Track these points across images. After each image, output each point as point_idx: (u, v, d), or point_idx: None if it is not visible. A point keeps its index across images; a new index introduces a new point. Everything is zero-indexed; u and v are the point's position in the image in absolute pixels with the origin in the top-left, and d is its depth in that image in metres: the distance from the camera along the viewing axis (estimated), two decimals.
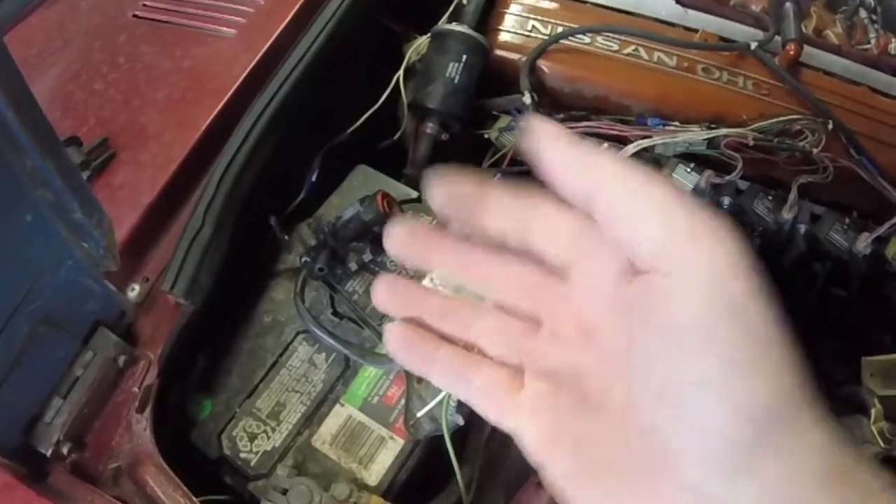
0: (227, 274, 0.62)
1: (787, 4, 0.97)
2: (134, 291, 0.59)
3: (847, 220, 0.87)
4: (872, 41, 1.12)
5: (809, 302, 0.94)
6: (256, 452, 0.59)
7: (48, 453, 0.53)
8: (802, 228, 0.88)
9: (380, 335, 0.64)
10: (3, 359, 0.50)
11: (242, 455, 0.59)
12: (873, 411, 0.73)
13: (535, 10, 0.91)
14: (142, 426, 0.54)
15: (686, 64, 0.88)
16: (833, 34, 1.14)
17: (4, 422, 0.52)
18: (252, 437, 0.60)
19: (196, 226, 0.58)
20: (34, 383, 0.53)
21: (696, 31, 0.97)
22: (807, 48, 0.95)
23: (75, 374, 0.55)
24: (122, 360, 0.56)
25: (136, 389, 0.56)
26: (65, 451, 0.54)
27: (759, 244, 0.90)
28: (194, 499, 0.52)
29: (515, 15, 0.89)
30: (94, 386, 0.55)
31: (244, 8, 0.77)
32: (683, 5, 0.99)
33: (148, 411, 0.55)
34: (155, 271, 0.59)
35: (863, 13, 1.19)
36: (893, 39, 1.16)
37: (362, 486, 0.58)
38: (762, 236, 0.89)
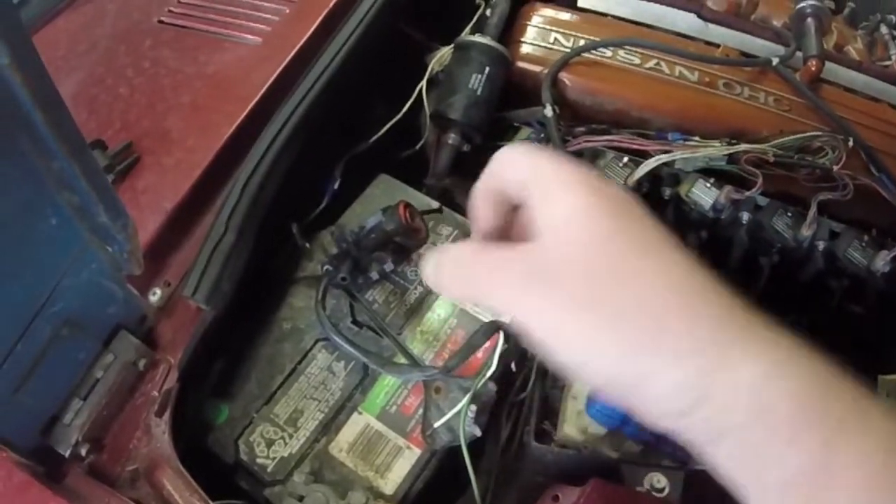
0: (248, 280, 0.62)
1: (809, 20, 0.96)
2: (155, 296, 0.58)
3: (866, 238, 0.86)
4: (893, 57, 1.11)
5: (827, 318, 0.93)
6: (273, 458, 0.59)
7: (66, 454, 0.53)
8: (821, 245, 0.86)
9: (399, 344, 0.63)
10: (25, 359, 0.50)
11: (259, 461, 0.59)
12: None
13: (557, 22, 0.90)
14: (160, 430, 0.54)
15: (707, 79, 0.87)
16: (854, 50, 1.13)
17: (23, 421, 0.52)
18: (269, 443, 0.59)
19: (219, 232, 0.58)
20: (54, 384, 0.53)
21: (717, 45, 0.96)
22: (827, 64, 0.94)
23: (95, 376, 0.54)
24: (142, 363, 0.56)
25: (155, 393, 0.55)
26: (83, 452, 0.53)
27: (778, 260, 0.89)
28: (211, 503, 0.52)
29: (538, 27, 0.89)
30: (114, 389, 0.55)
31: (269, 16, 0.76)
32: (705, 19, 0.98)
33: (167, 415, 0.54)
34: (177, 276, 0.59)
35: (884, 29, 1.18)
36: None
37: (378, 495, 0.57)
38: (781, 253, 0.88)
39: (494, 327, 0.58)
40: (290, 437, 0.60)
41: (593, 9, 0.98)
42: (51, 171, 0.45)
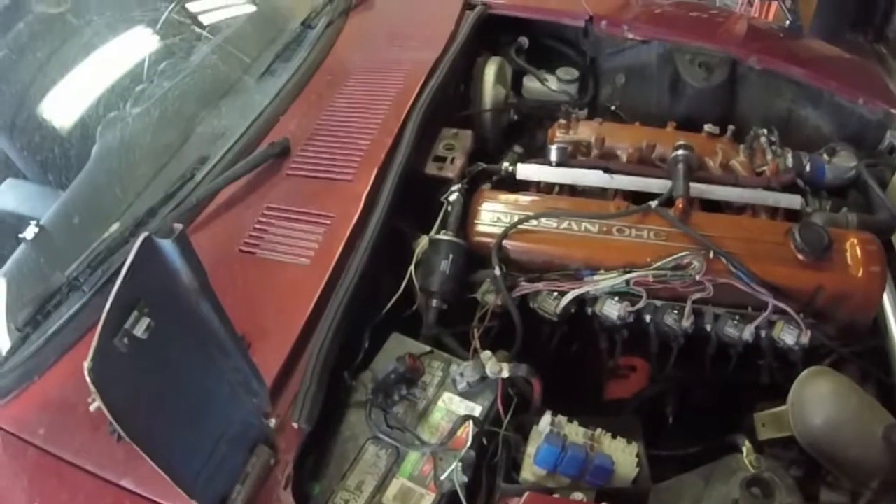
0: (324, 408, 1.24)
1: (679, 166, 1.60)
2: (273, 422, 1.21)
3: (737, 317, 1.45)
4: (769, 163, 1.70)
5: (743, 375, 1.50)
6: None
7: None
8: (708, 327, 1.46)
9: (415, 435, 1.25)
10: (214, 463, 1.13)
11: None
12: (745, 448, 1.28)
13: (501, 204, 1.56)
14: (287, 496, 1.15)
15: (605, 228, 1.51)
16: (738, 163, 1.75)
17: (212, 498, 1.14)
18: (346, 502, 1.20)
19: (305, 386, 1.22)
20: (227, 477, 1.15)
21: (621, 190, 1.60)
22: (706, 186, 1.58)
23: (247, 470, 1.17)
24: (272, 461, 1.19)
25: (280, 477, 1.17)
26: None
27: (684, 344, 1.48)
28: None
29: (487, 211, 1.56)
30: (258, 477, 1.17)
31: (312, 244, 1.44)
32: (610, 173, 1.63)
33: (290, 489, 1.16)
34: (284, 409, 1.23)
35: (763, 139, 1.78)
36: (789, 154, 1.74)
37: None
38: (685, 338, 1.47)
39: (464, 419, 1.20)
40: (358, 497, 1.21)
41: (529, 179, 1.64)
42: (228, 364, 1.09)
